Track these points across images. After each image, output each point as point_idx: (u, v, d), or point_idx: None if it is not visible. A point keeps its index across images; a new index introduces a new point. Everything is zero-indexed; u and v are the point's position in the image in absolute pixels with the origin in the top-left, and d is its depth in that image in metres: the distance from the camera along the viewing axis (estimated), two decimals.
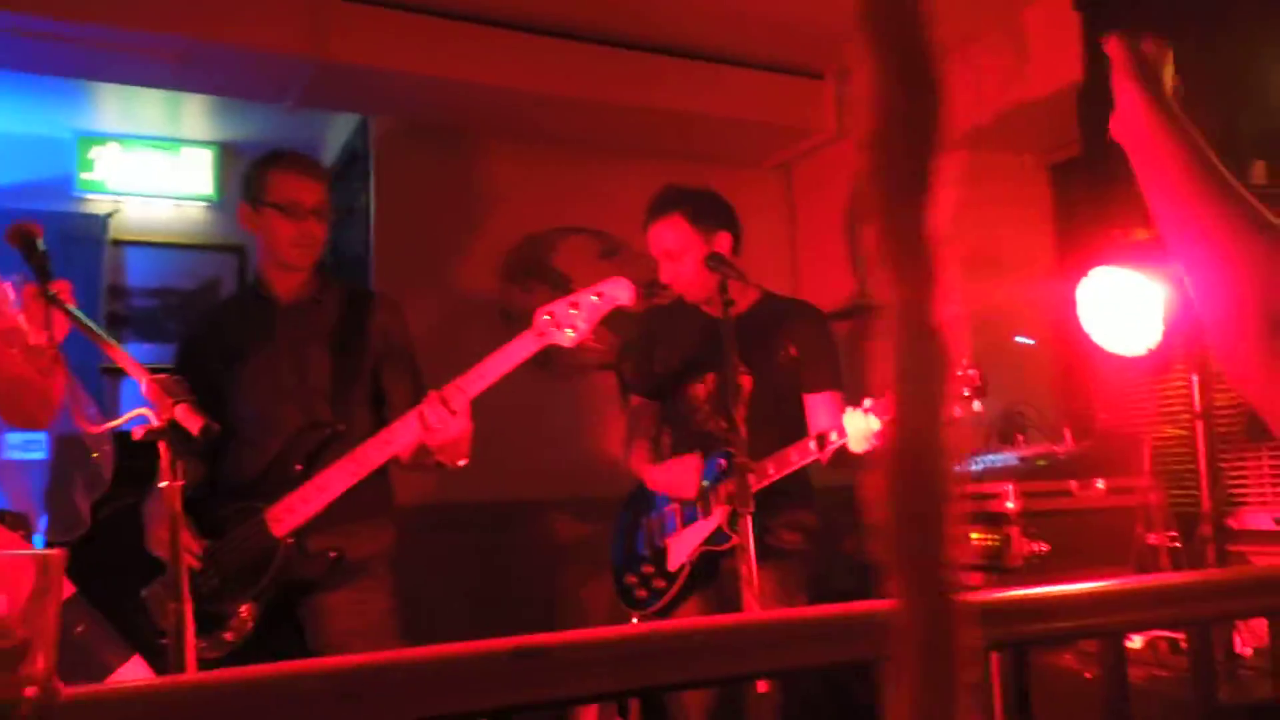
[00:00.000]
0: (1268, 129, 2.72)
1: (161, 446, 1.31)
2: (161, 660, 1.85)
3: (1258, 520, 2.85)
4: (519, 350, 2.36)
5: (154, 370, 1.55)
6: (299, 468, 2.38)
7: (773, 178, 4.40)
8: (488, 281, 3.91)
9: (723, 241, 2.74)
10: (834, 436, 2.50)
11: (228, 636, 2.27)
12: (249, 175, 2.59)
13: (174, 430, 1.32)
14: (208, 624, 2.22)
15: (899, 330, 0.46)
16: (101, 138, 4.36)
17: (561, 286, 4.00)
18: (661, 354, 2.94)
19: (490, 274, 3.93)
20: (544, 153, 4.02)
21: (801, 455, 2.56)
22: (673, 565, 2.71)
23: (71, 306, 1.68)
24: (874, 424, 2.46)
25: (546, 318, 2.36)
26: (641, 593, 2.78)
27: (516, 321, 3.96)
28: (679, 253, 2.73)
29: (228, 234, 4.51)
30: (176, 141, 4.52)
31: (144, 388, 1.37)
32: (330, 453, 2.38)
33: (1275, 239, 0.90)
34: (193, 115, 4.31)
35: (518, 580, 3.78)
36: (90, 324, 1.67)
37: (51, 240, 2.35)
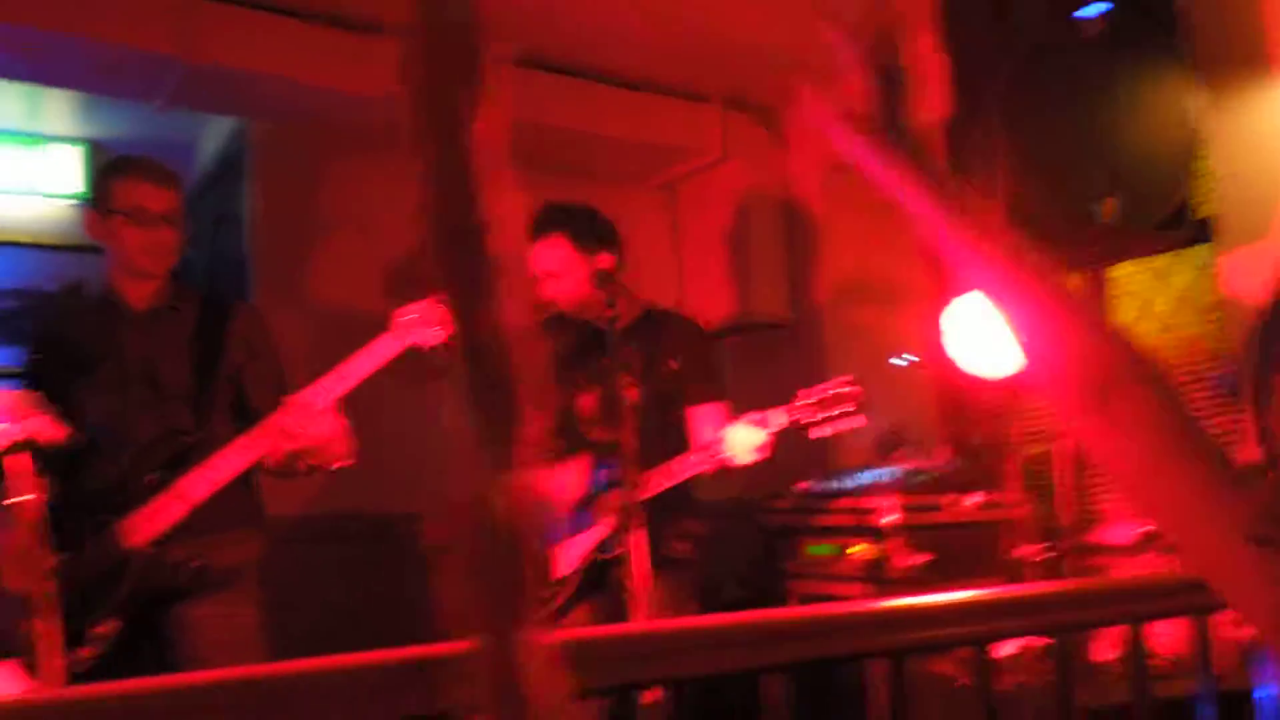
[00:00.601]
0: (1117, 168, 2.88)
1: (23, 459, 1.22)
2: None
3: (1119, 535, 3.00)
4: (380, 351, 2.36)
5: (5, 375, 1.46)
6: (151, 478, 2.29)
7: (658, 196, 4.44)
8: (372, 292, 3.82)
9: (604, 260, 2.76)
10: (718, 449, 2.55)
11: (85, 653, 2.17)
12: (96, 183, 2.54)
13: (32, 443, 1.24)
14: (66, 641, 2.11)
15: (460, 353, 0.45)
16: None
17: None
18: (551, 363, 2.93)
19: (374, 284, 3.84)
20: None
21: (687, 467, 2.60)
22: (559, 573, 2.70)
23: None
24: (757, 437, 2.52)
25: (408, 318, 2.34)
26: None
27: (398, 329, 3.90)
28: (561, 272, 2.74)
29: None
30: (42, 137, 4.29)
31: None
32: (189, 462, 2.31)
33: (1071, 306, 0.88)
34: (58, 111, 4.10)
35: (396, 591, 3.68)
36: None
37: None
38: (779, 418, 2.55)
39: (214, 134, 4.06)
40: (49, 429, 1.23)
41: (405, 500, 3.77)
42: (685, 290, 4.47)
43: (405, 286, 3.83)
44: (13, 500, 1.23)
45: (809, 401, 2.54)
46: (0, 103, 3.97)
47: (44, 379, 2.30)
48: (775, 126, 4.30)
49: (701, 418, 2.86)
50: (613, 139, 3.94)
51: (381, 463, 3.78)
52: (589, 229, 2.80)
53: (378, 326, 3.75)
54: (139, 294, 2.50)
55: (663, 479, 2.58)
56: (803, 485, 3.29)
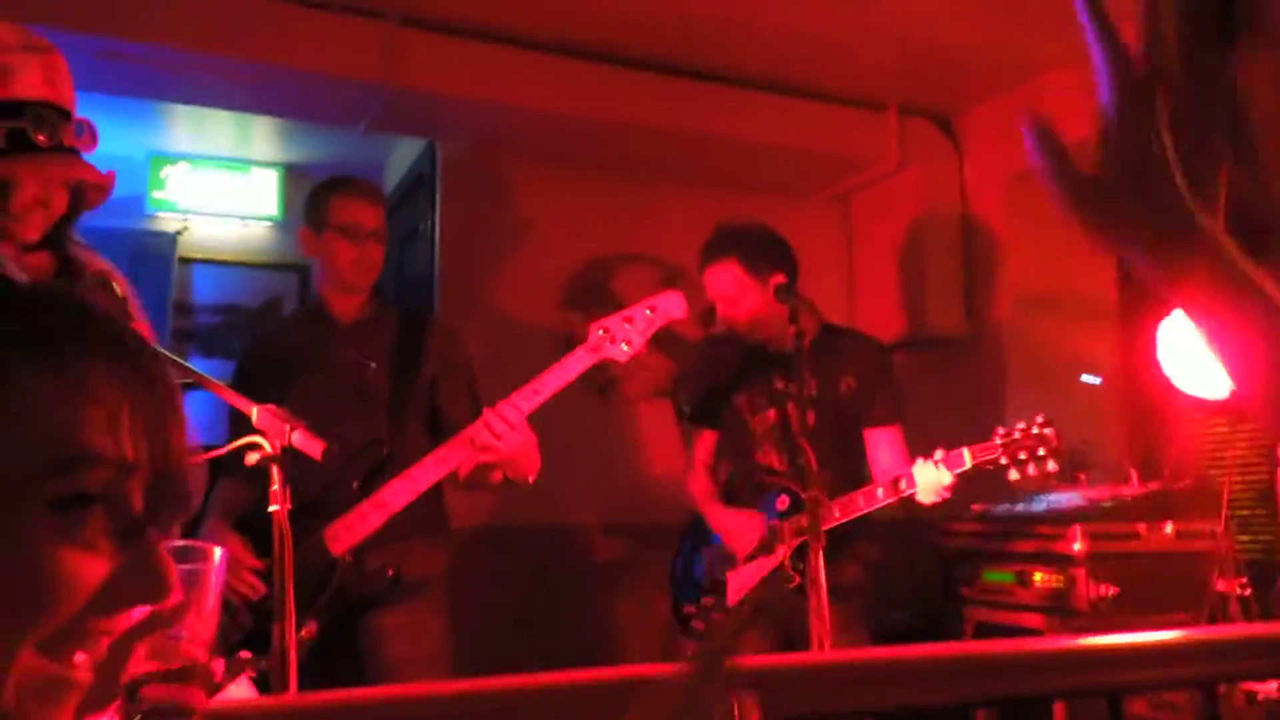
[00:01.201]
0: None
1: (275, 471, 1.32)
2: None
3: None
4: (574, 365, 2.38)
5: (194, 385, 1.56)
6: (356, 486, 2.39)
7: (830, 208, 4.38)
8: (550, 306, 3.93)
9: (779, 279, 2.74)
10: (903, 486, 2.49)
11: None
12: (312, 201, 2.66)
13: (287, 455, 1.33)
14: (265, 643, 2.24)
15: None
16: (172, 157, 4.45)
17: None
18: (718, 384, 2.94)
19: (553, 298, 3.95)
20: (607, 179, 4.04)
21: (869, 502, 2.55)
22: (734, 599, 2.69)
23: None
24: (945, 478, 2.44)
25: (601, 332, 2.39)
26: (700, 624, 2.77)
27: (578, 345, 3.98)
28: (735, 296, 2.74)
29: (291, 253, 4.58)
30: (245, 162, 4.60)
31: (257, 417, 1.38)
32: (387, 471, 2.40)
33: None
34: (261, 137, 4.39)
35: (570, 604, 3.77)
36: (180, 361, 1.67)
37: (123, 257, 2.40)
38: (968, 459, 2.45)
39: (403, 154, 4.26)
40: (307, 442, 1.31)
41: (575, 514, 3.87)
42: (857, 304, 4.40)
43: (585, 300, 3.96)
44: (270, 511, 1.32)
45: (1002, 441, 2.43)
46: (209, 130, 4.28)
47: (257, 388, 2.45)
48: (953, 134, 4.19)
49: (880, 441, 2.81)
50: (785, 149, 3.91)
51: (559, 473, 3.90)
52: (761, 250, 2.78)
53: (558, 339, 3.88)
54: (346, 308, 2.64)
55: (846, 512, 2.55)
56: (980, 507, 3.17)
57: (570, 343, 3.88)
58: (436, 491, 2.48)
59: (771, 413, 2.83)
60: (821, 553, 2.26)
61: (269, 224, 4.66)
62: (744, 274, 2.74)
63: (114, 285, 1.76)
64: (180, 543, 1.27)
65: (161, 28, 2.99)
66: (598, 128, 3.66)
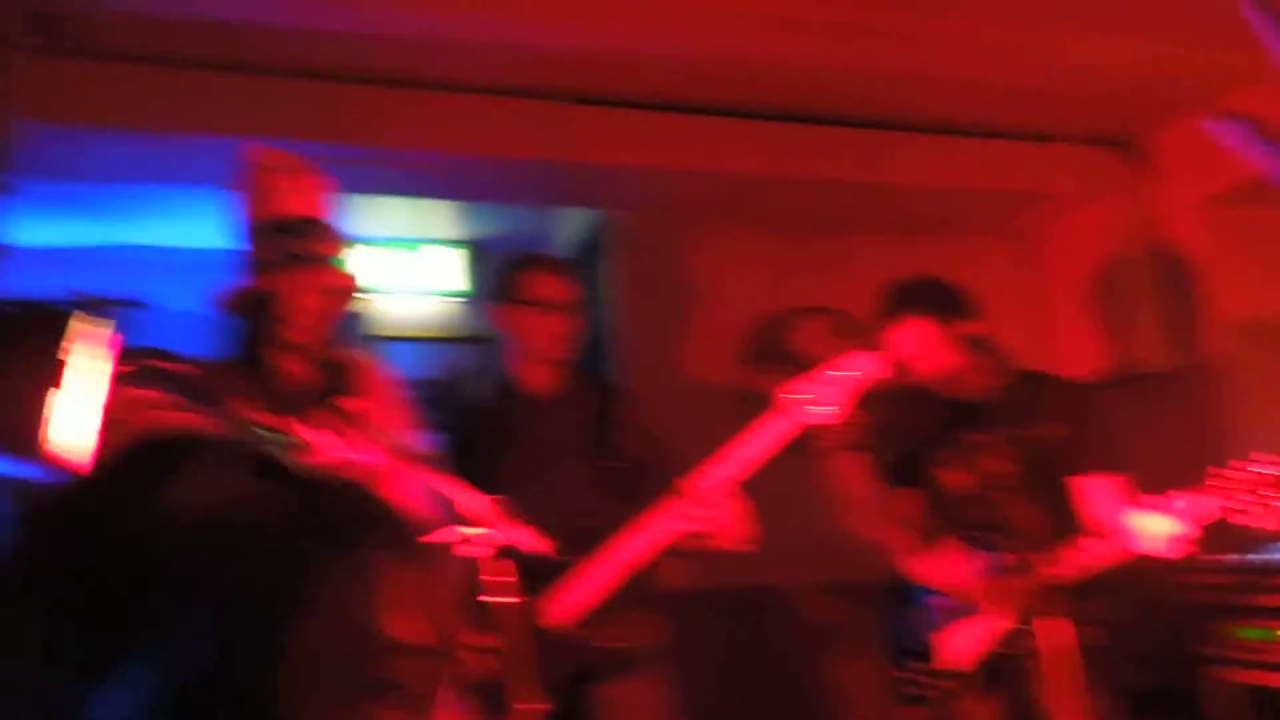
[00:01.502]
0: None
1: (506, 566, 1.32)
2: None
3: None
4: (770, 431, 2.33)
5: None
6: (570, 560, 2.39)
7: (1016, 245, 4.20)
8: (729, 365, 3.90)
9: (967, 329, 2.66)
10: (1124, 537, 2.33)
11: None
12: (503, 277, 2.71)
13: (518, 553, 1.33)
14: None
15: None
16: (357, 240, 4.66)
17: (801, 368, 3.92)
18: (912, 440, 2.82)
19: (731, 357, 3.91)
20: (778, 234, 4.01)
21: (1090, 558, 2.39)
22: (947, 664, 2.55)
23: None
24: (1167, 526, 2.26)
25: (795, 397, 2.32)
26: (911, 689, 2.63)
27: (756, 405, 3.92)
28: (925, 354, 2.63)
29: (473, 327, 4.72)
30: (423, 241, 4.80)
31: (484, 510, 1.39)
32: (595, 545, 2.40)
33: None
34: (438, 216, 4.57)
35: (776, 666, 3.68)
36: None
37: None
38: (1197, 506, 2.25)
39: (572, 222, 4.35)
40: (531, 540, 1.31)
41: (774, 573, 3.78)
42: (1054, 344, 4.17)
43: (764, 357, 3.92)
44: (494, 601, 1.32)
45: (1230, 484, 2.23)
46: (393, 213, 4.49)
47: (464, 469, 2.51)
48: (1142, 161, 3.95)
49: (1094, 490, 2.63)
50: (965, 190, 3.80)
51: (770, 534, 3.83)
52: (947, 301, 2.69)
53: (738, 399, 3.84)
54: (540, 381, 2.67)
55: (1066, 570, 2.38)
56: (1221, 556, 2.90)
57: (747, 402, 3.86)
58: (649, 566, 2.46)
59: (971, 467, 2.70)
60: (1053, 617, 2.12)
61: (448, 299, 4.83)
62: (933, 329, 2.64)
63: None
64: None
65: (349, 129, 3.17)
66: (768, 185, 3.65)
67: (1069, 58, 3.18)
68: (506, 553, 1.33)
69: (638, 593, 2.43)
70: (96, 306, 1.10)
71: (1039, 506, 2.47)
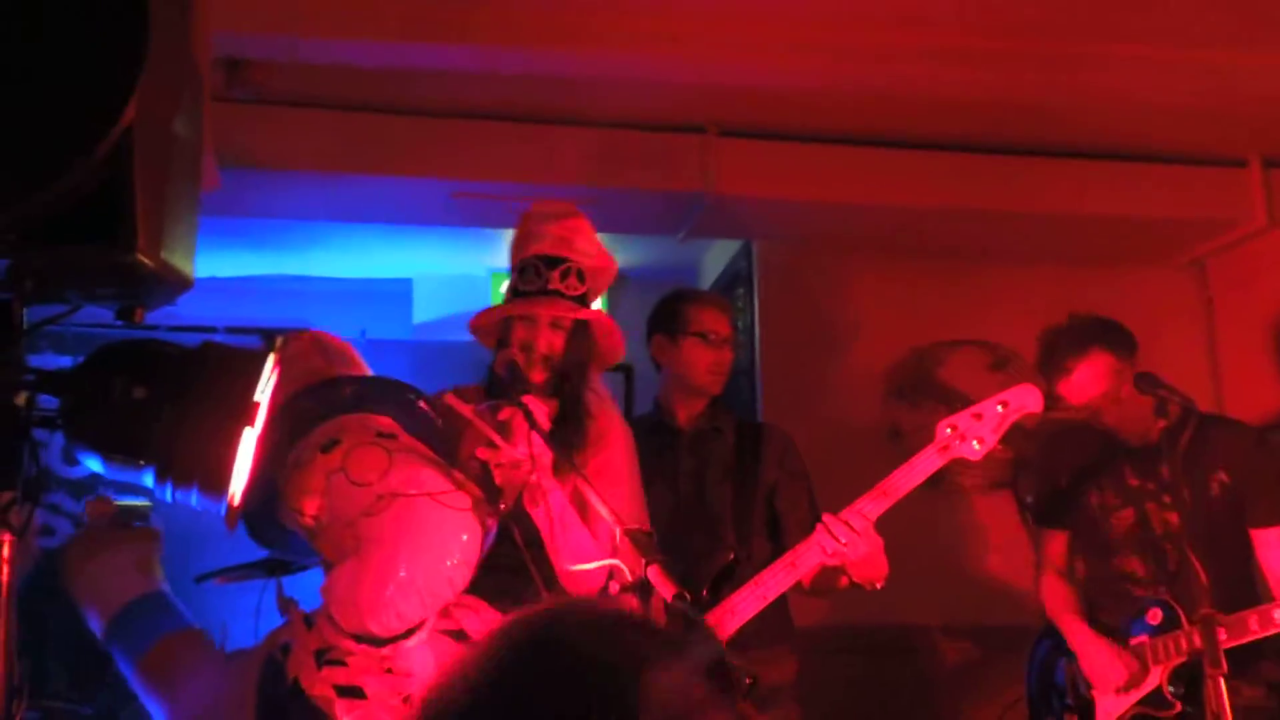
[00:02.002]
0: None
1: (630, 599, 1.32)
2: None
3: None
4: (923, 466, 2.26)
5: None
6: (705, 594, 2.38)
7: (1184, 276, 3.97)
8: (873, 398, 3.82)
9: (1137, 371, 2.53)
10: None
11: None
12: (666, 310, 2.76)
13: (644, 588, 1.33)
14: None
15: None
16: (508, 273, 4.79)
17: (950, 401, 3.82)
18: (1067, 479, 2.69)
19: (876, 391, 3.84)
20: (926, 265, 3.91)
21: (1265, 625, 2.25)
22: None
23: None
24: None
25: (949, 430, 2.25)
26: None
27: (905, 438, 3.83)
28: (1109, 389, 2.50)
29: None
30: None
31: (618, 538, 1.40)
32: (735, 579, 2.39)
33: None
34: None
35: (911, 709, 3.57)
36: (569, 457, 1.75)
37: (465, 366, 2.60)
38: None
39: (718, 253, 4.36)
40: (660, 580, 1.31)
41: (910, 613, 3.68)
42: (1223, 382, 3.93)
43: (911, 390, 3.83)
44: None
45: None
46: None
47: None
48: None
49: (1268, 543, 2.47)
50: (1134, 218, 3.61)
51: (896, 570, 3.73)
52: (1122, 338, 2.58)
53: (883, 432, 3.77)
54: (688, 414, 2.70)
55: (1236, 634, 2.23)
56: None
57: (896, 435, 3.78)
58: (782, 599, 2.43)
59: (1130, 512, 2.59)
60: (1218, 676, 1.98)
61: None
62: (1115, 364, 2.53)
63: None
64: None
65: (502, 168, 3.28)
66: (918, 215, 3.56)
67: (1248, 77, 3.00)
68: (631, 589, 1.33)
69: (771, 628, 2.42)
70: (265, 333, 1.15)
71: (1204, 558, 2.32)
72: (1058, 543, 2.77)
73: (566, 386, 2.06)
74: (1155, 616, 2.42)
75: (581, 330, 2.08)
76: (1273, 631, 2.25)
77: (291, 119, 3.14)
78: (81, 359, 1.06)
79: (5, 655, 1.01)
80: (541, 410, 1.78)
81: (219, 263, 4.49)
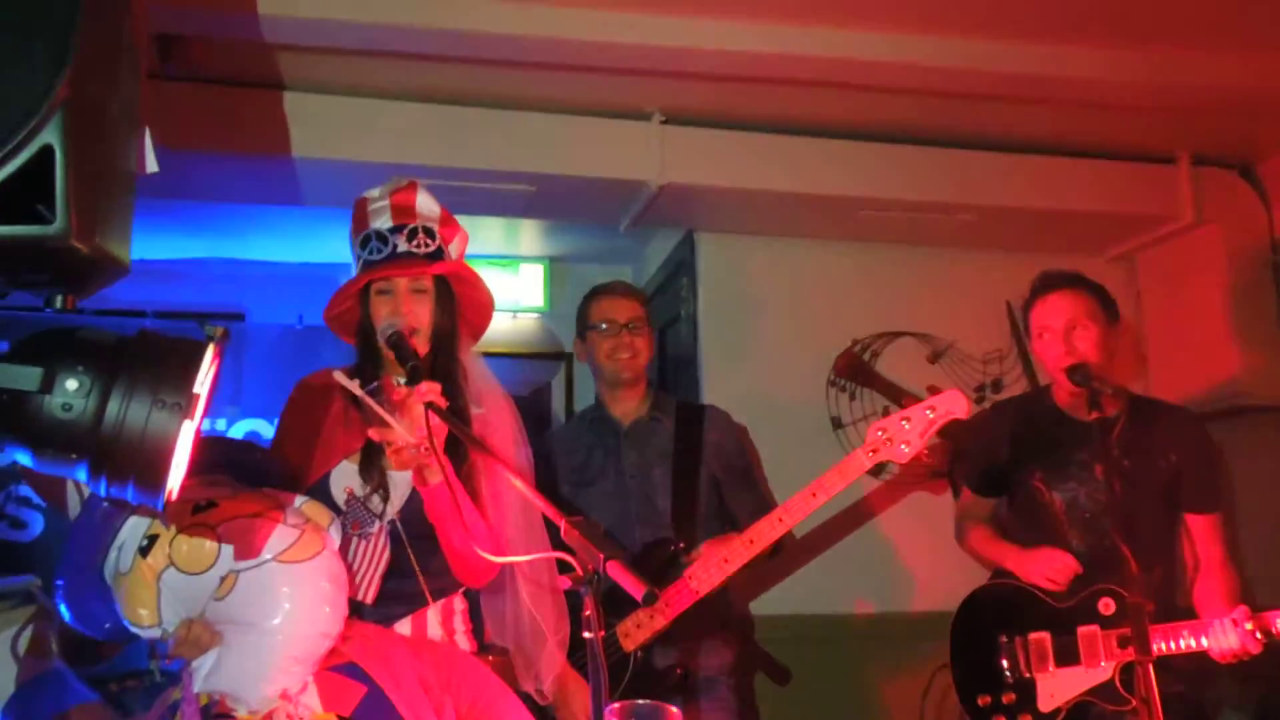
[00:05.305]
0: None
1: (587, 599, 1.30)
2: None
3: None
4: (853, 468, 2.34)
5: None
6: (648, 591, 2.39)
7: (1114, 269, 4.05)
8: (815, 388, 3.86)
9: (1118, 334, 2.58)
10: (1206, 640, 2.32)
11: None
12: (578, 311, 2.81)
13: (595, 581, 1.31)
14: None
15: None
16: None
17: (889, 392, 3.87)
18: (1009, 453, 2.70)
19: (818, 379, 3.87)
20: (867, 256, 3.95)
21: (1201, 633, 2.32)
22: (1045, 705, 2.46)
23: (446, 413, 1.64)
24: (1246, 645, 2.28)
25: (880, 433, 2.33)
26: (999, 719, 2.54)
27: (845, 428, 3.88)
28: (1085, 320, 2.50)
29: (556, 343, 4.76)
30: (512, 259, 4.84)
31: (564, 532, 1.37)
32: (676, 569, 2.42)
33: None
34: (529, 235, 4.61)
35: (843, 690, 3.62)
36: (471, 436, 1.66)
37: None
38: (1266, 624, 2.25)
39: (661, 242, 4.34)
40: (621, 575, 1.29)
41: (859, 599, 3.73)
42: (1150, 371, 4.04)
43: (851, 379, 3.86)
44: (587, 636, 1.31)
45: None
46: (482, 232, 4.53)
47: (548, 492, 2.53)
48: (1257, 182, 3.80)
49: (1199, 530, 2.53)
50: (1068, 213, 3.69)
51: (834, 559, 3.77)
52: (1107, 297, 2.58)
53: (824, 420, 3.80)
54: (624, 408, 2.73)
55: (1168, 637, 2.33)
56: None
57: (838, 423, 3.82)
58: (722, 588, 2.45)
59: (1070, 489, 2.58)
60: (1152, 670, 2.04)
61: (535, 316, 4.87)
62: (1097, 307, 2.53)
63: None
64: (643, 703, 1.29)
65: (442, 153, 3.22)
66: (858, 205, 3.59)
67: (1180, 74, 3.07)
68: (585, 582, 1.30)
69: (709, 619, 2.46)
70: (201, 321, 1.10)
71: (1143, 542, 2.36)
72: (985, 505, 2.79)
73: (440, 360, 1.92)
74: (1108, 607, 2.45)
75: (445, 294, 1.93)
76: (1186, 650, 2.33)
77: (230, 99, 3.06)
78: (6, 346, 1.01)
79: None
80: (436, 387, 1.67)
81: (152, 245, 4.37)
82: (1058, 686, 2.46)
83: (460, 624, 1.99)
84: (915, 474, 3.84)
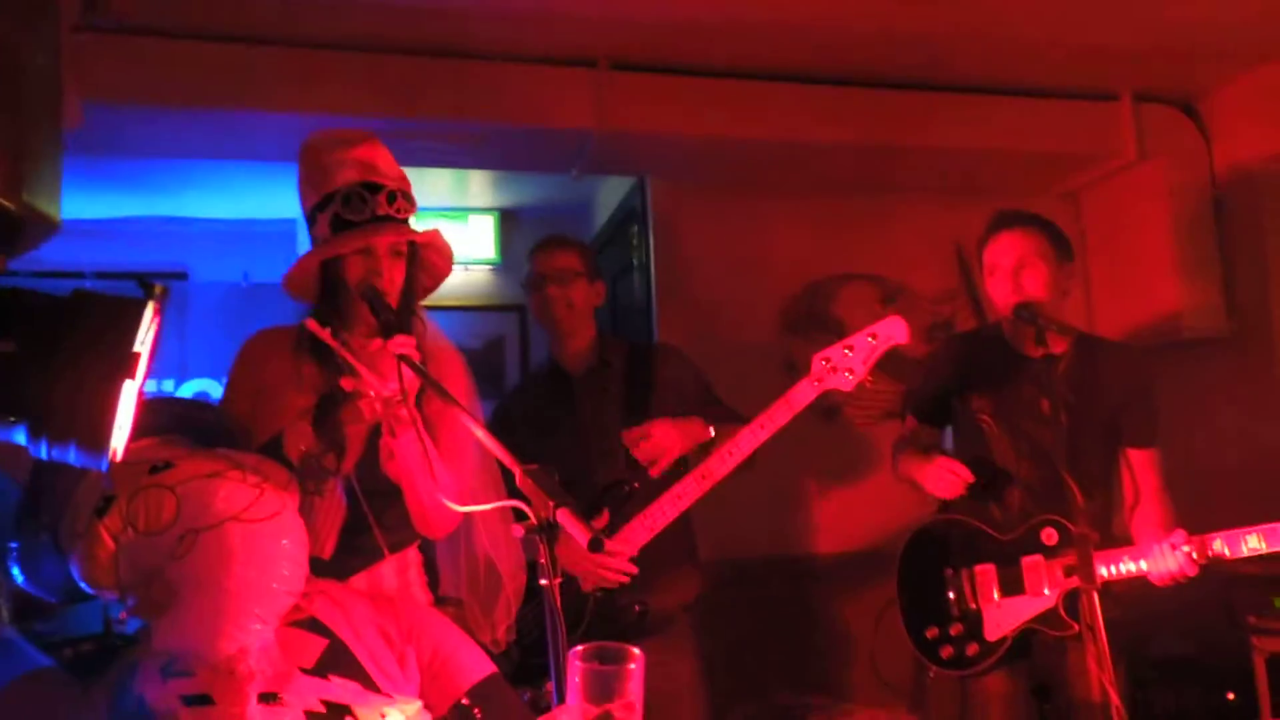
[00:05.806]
0: None
1: (541, 546, 1.31)
2: None
3: None
4: (799, 398, 2.37)
5: None
6: (601, 524, 2.42)
7: (1059, 206, 4.09)
8: (769, 330, 3.88)
9: (1071, 273, 2.59)
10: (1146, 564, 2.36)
11: (550, 687, 2.34)
12: (525, 267, 2.81)
13: (549, 529, 1.32)
14: (534, 675, 2.29)
15: None
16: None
17: (842, 335, 3.89)
18: (956, 382, 2.73)
19: (771, 324, 3.90)
20: (819, 200, 3.96)
21: (1139, 559, 2.38)
22: (991, 634, 2.53)
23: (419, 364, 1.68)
24: (1185, 568, 2.31)
25: (824, 363, 2.36)
26: (947, 650, 2.59)
27: (799, 371, 3.89)
28: (1035, 259, 2.51)
29: (509, 295, 4.73)
30: (462, 210, 4.80)
31: (519, 480, 1.38)
32: (630, 508, 2.44)
33: None
34: (476, 186, 4.56)
35: (811, 629, 3.71)
36: (440, 387, 1.66)
37: None
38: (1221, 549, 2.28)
39: (612, 190, 4.32)
40: (571, 523, 1.30)
41: (810, 543, 3.80)
42: (1094, 307, 4.11)
43: (804, 323, 3.89)
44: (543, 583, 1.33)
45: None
46: (431, 184, 4.48)
47: (511, 447, 2.53)
48: (1198, 119, 3.86)
49: (1139, 464, 2.59)
50: (1013, 151, 3.71)
51: (790, 501, 3.83)
52: (1059, 235, 2.58)
53: (778, 364, 3.82)
54: (574, 360, 2.72)
55: (1112, 565, 2.36)
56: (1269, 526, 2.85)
57: (791, 367, 3.84)
58: (683, 523, 2.48)
59: (1019, 422, 2.62)
60: (1096, 597, 2.10)
61: (487, 268, 4.84)
62: (1047, 244, 2.53)
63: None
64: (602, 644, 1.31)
65: (381, 103, 3.14)
66: (809, 150, 3.59)
67: (1121, 8, 3.09)
68: (538, 530, 1.31)
69: (668, 555, 2.48)
70: (143, 280, 1.08)
71: (1085, 474, 2.42)
72: (928, 435, 2.79)
73: (402, 318, 1.92)
74: (1050, 537, 2.48)
75: (413, 257, 1.97)
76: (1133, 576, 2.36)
77: (155, 49, 2.94)
78: None
79: None
80: (411, 341, 1.70)
81: (89, 204, 4.26)
82: (1003, 616, 2.52)
83: (415, 576, 2.02)
84: (870, 415, 3.90)
